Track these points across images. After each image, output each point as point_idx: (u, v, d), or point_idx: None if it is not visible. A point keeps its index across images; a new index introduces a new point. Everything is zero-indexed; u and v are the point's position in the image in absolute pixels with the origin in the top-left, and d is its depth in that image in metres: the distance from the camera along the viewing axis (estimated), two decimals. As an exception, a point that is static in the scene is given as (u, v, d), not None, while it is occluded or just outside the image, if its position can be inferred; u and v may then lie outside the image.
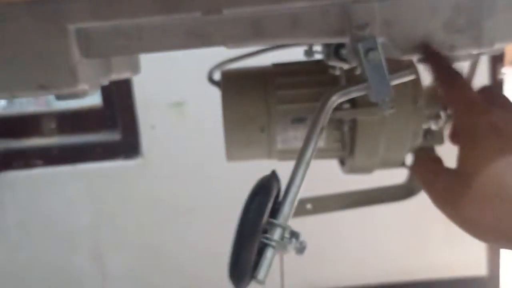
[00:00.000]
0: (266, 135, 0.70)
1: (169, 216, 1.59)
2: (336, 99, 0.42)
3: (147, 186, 1.56)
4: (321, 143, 0.68)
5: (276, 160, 0.75)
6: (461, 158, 0.41)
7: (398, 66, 0.47)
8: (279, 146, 0.71)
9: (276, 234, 0.37)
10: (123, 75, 0.55)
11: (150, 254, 1.63)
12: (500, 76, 1.26)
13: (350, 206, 0.76)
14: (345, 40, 0.44)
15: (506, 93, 0.48)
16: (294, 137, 0.71)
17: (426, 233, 1.61)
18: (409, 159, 0.76)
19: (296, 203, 0.39)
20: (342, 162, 0.77)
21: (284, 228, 0.38)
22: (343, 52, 0.49)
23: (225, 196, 1.57)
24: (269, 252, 0.37)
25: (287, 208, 0.38)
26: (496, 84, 1.28)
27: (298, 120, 0.70)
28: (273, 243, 0.37)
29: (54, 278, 1.64)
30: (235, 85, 0.71)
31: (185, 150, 1.52)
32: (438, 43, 0.44)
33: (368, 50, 0.40)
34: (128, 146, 1.54)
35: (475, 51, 0.46)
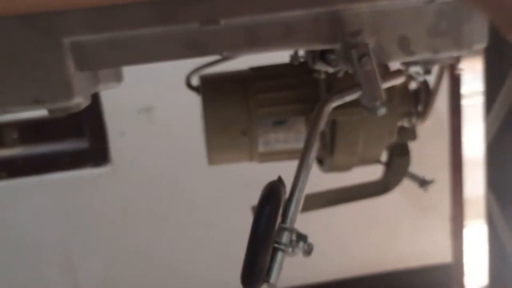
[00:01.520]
0: (247, 139, 0.70)
1: (140, 224, 1.56)
2: (331, 104, 0.43)
3: (117, 194, 1.52)
4: (302, 144, 0.69)
5: (257, 162, 0.75)
6: None
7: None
8: (261, 148, 0.72)
9: (285, 237, 0.38)
10: (109, 85, 0.54)
11: (123, 263, 1.60)
12: (457, 72, 1.31)
13: (331, 204, 0.78)
14: (336, 46, 0.45)
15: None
16: (276, 139, 0.72)
17: (393, 226, 1.66)
18: (384, 156, 0.79)
19: (301, 205, 0.40)
20: (321, 162, 0.79)
21: (291, 232, 0.38)
22: (330, 56, 0.50)
23: (197, 202, 1.56)
24: (279, 256, 0.38)
25: (293, 212, 0.39)
26: (454, 79, 1.33)
27: (279, 123, 0.71)
28: (282, 247, 0.38)
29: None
30: (215, 90, 0.71)
31: (156, 156, 1.49)
32: (423, 46, 0.47)
33: (361, 56, 0.42)
34: (97, 154, 1.50)
35: (456, 53, 0.49)
